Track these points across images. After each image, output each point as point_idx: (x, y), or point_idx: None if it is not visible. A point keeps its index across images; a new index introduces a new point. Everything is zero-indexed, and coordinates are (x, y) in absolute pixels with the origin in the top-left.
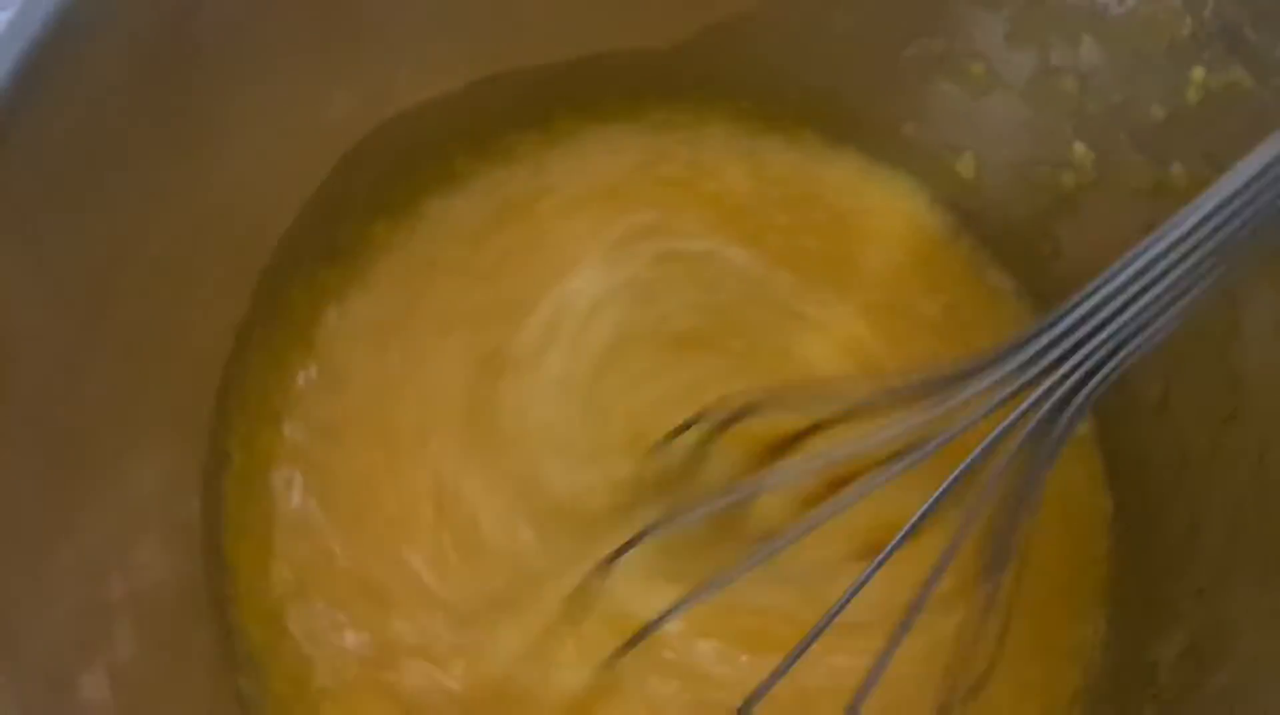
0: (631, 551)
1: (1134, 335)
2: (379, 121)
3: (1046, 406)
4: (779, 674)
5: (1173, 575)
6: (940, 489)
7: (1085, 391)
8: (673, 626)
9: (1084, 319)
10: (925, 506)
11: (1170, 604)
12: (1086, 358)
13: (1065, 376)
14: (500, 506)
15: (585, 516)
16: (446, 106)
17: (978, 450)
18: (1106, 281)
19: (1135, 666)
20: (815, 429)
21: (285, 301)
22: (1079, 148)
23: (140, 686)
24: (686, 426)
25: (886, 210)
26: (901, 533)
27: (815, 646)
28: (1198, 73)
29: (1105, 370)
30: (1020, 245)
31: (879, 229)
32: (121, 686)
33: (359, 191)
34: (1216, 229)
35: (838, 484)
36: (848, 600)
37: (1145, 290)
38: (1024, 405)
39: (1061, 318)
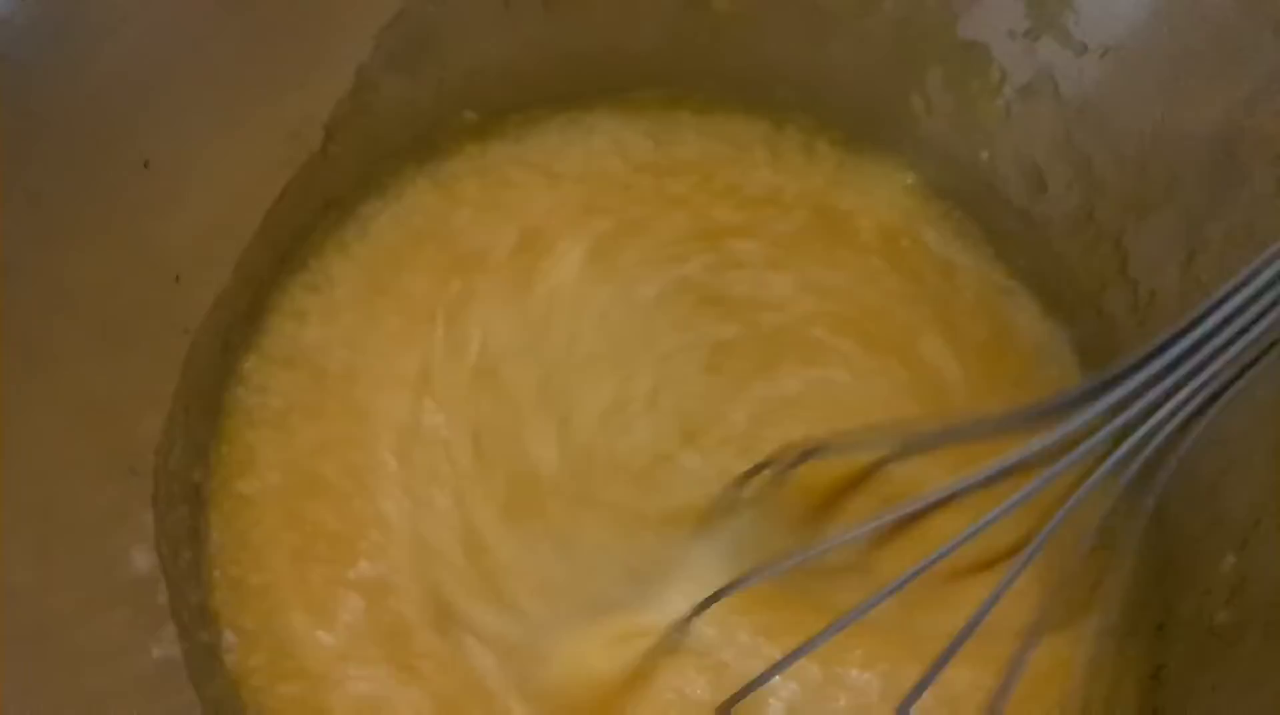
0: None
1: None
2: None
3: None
4: (764, 678)
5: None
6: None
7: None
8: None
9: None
10: (954, 543)
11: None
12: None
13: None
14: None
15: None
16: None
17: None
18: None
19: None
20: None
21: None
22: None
23: None
24: (758, 470)
25: (880, 199)
26: (924, 563)
27: None
28: None
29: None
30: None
31: (870, 218)
32: None
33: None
34: None
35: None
36: (856, 616)
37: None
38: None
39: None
